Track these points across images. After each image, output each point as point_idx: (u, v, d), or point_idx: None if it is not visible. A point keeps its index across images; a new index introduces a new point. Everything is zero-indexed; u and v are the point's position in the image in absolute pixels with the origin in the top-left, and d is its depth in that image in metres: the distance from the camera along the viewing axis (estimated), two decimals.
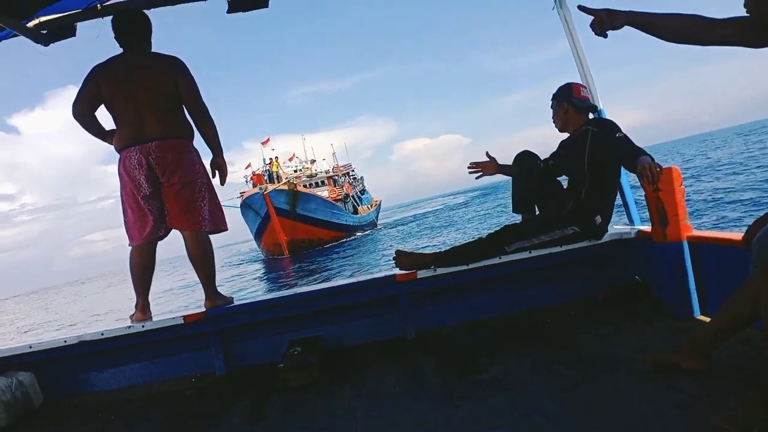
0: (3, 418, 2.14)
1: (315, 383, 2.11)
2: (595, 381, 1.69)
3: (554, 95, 2.66)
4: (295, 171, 38.33)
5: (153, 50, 2.58)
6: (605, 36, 1.52)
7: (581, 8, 1.54)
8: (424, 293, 2.59)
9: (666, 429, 1.33)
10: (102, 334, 2.46)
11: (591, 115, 2.65)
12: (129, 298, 2.71)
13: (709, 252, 2.06)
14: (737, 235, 1.79)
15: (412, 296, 2.57)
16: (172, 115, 2.47)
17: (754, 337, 1.69)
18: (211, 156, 2.62)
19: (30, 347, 2.45)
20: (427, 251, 2.76)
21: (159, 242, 2.60)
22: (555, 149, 2.79)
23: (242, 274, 23.51)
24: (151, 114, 2.40)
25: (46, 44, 2.71)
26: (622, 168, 2.50)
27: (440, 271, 2.51)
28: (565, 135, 2.72)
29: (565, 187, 2.75)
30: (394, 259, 2.62)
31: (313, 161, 42.40)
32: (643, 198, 2.20)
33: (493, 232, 2.60)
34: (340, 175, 41.71)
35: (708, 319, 1.97)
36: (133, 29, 2.50)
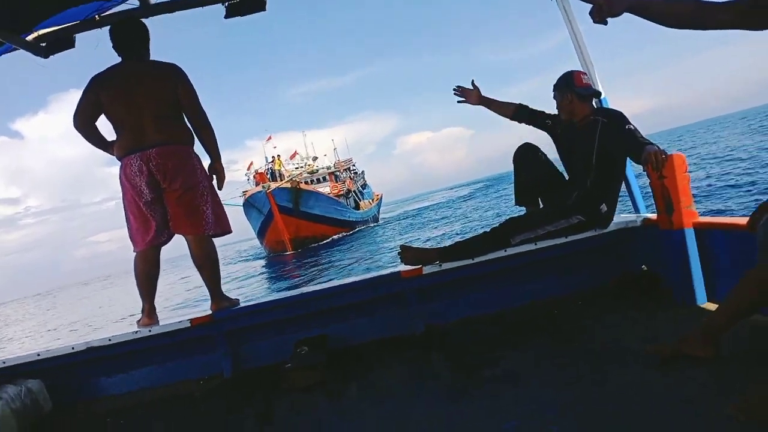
0: (13, 426, 2.15)
1: (323, 383, 2.10)
2: (604, 372, 1.68)
3: (555, 86, 2.58)
4: (297, 168, 38.33)
5: (154, 54, 2.57)
6: (605, 23, 1.50)
7: None
8: (430, 288, 2.58)
9: (677, 418, 1.32)
10: (109, 339, 2.47)
11: (594, 102, 2.61)
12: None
13: (716, 238, 2.04)
14: (743, 220, 1.78)
15: (419, 292, 2.57)
16: (171, 122, 2.47)
17: (760, 322, 1.68)
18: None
19: (38, 354, 2.47)
20: (430, 245, 2.74)
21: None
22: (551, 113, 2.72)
23: (245, 270, 23.56)
24: (150, 121, 2.40)
25: (45, 56, 2.72)
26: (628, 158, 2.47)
27: (446, 265, 2.50)
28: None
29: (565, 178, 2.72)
30: (399, 254, 2.61)
31: (315, 158, 42.39)
32: (648, 188, 2.18)
33: (497, 225, 2.58)
34: (342, 170, 41.69)
35: (715, 306, 1.96)
36: (130, 38, 2.49)
